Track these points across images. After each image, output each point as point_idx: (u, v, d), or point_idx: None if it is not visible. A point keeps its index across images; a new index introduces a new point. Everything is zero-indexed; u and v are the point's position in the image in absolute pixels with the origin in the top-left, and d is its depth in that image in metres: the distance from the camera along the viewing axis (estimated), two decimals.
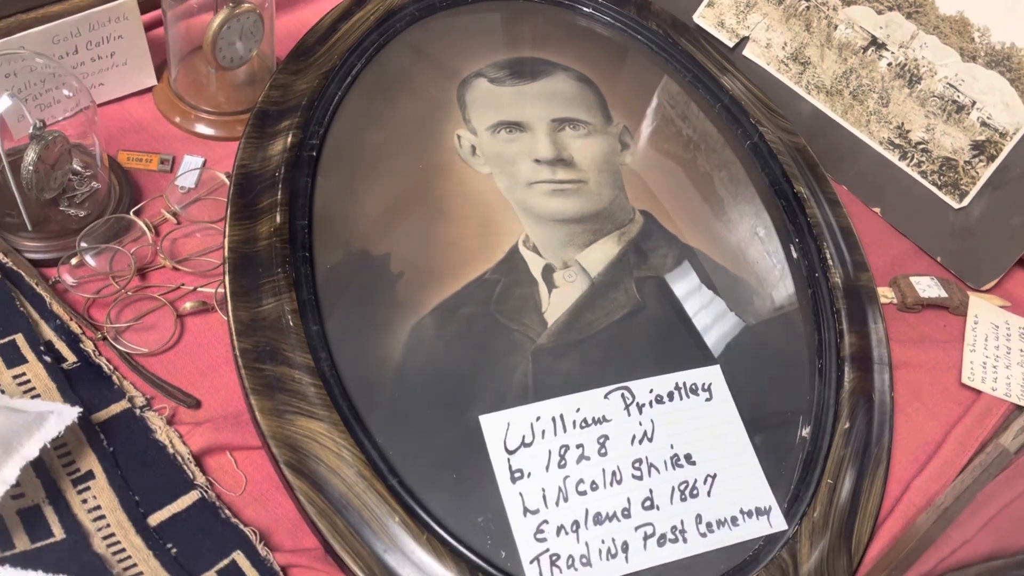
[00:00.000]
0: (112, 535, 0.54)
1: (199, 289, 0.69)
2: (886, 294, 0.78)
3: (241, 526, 0.57)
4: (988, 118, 0.76)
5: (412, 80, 0.76)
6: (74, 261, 0.67)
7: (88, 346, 0.62)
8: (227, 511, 0.57)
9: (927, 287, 0.78)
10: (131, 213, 0.70)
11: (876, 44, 0.80)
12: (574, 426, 0.62)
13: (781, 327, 0.72)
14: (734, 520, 0.61)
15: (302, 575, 0.57)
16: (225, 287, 0.63)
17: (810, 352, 0.71)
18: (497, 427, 0.61)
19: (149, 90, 0.80)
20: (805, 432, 0.67)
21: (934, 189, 0.80)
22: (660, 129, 0.81)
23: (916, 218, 0.81)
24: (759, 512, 0.62)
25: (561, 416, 0.62)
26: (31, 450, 0.53)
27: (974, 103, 0.76)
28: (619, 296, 0.68)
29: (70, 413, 0.55)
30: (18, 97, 0.66)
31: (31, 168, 0.64)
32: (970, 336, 0.75)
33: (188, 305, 0.67)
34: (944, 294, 0.77)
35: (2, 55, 0.65)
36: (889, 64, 0.80)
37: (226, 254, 0.64)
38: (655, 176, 0.77)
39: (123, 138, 0.77)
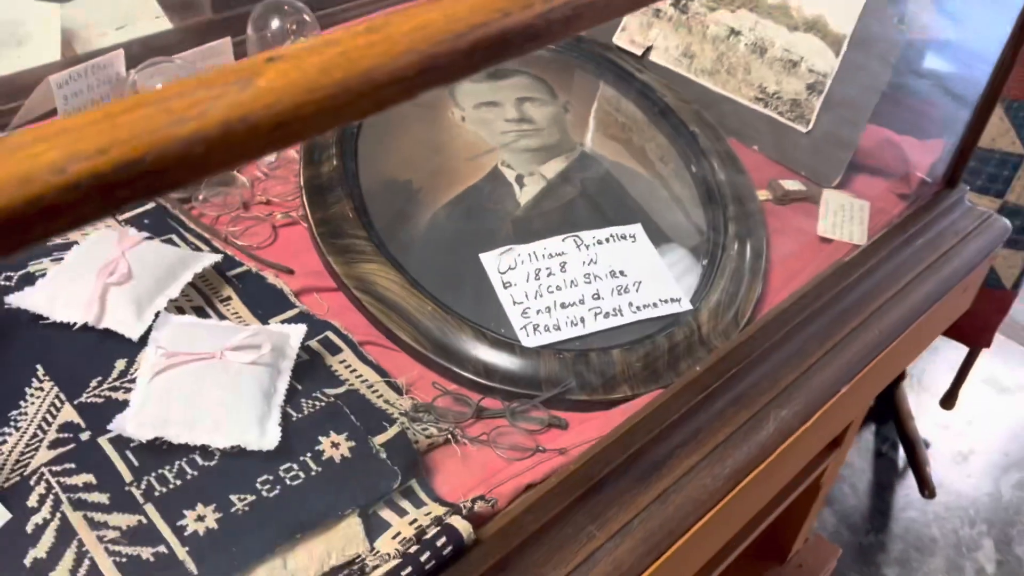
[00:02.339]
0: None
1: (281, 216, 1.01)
2: (763, 194, 1.10)
3: (331, 322, 0.87)
4: (812, 67, 1.10)
5: None
6: (200, 197, 1.00)
7: (218, 242, 0.95)
8: (318, 318, 0.88)
9: (792, 186, 1.10)
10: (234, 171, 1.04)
11: (734, 32, 1.16)
12: (542, 257, 0.93)
13: (684, 207, 1.04)
14: (655, 304, 0.91)
15: (370, 349, 0.86)
16: (304, 199, 0.96)
17: (707, 217, 1.02)
18: (491, 260, 0.92)
19: None
20: (704, 261, 0.97)
21: (789, 123, 1.13)
22: (598, 108, 1.16)
23: (780, 145, 1.14)
24: (672, 300, 0.92)
25: (533, 252, 0.93)
26: (189, 275, 0.84)
27: (802, 58, 1.11)
28: (567, 188, 1.01)
29: (213, 257, 0.87)
30: None
31: None
32: (823, 210, 1.07)
33: (279, 215, 0.99)
34: (805, 188, 1.09)
35: (155, 64, 1.00)
36: (745, 44, 1.15)
37: (302, 183, 0.98)
38: (596, 136, 1.11)
39: None
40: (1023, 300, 2.46)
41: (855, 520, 1.94)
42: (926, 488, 1.95)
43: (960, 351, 1.93)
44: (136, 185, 0.30)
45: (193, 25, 1.19)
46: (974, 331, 1.61)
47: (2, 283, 0.80)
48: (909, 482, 2.01)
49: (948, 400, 2.01)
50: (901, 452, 2.06)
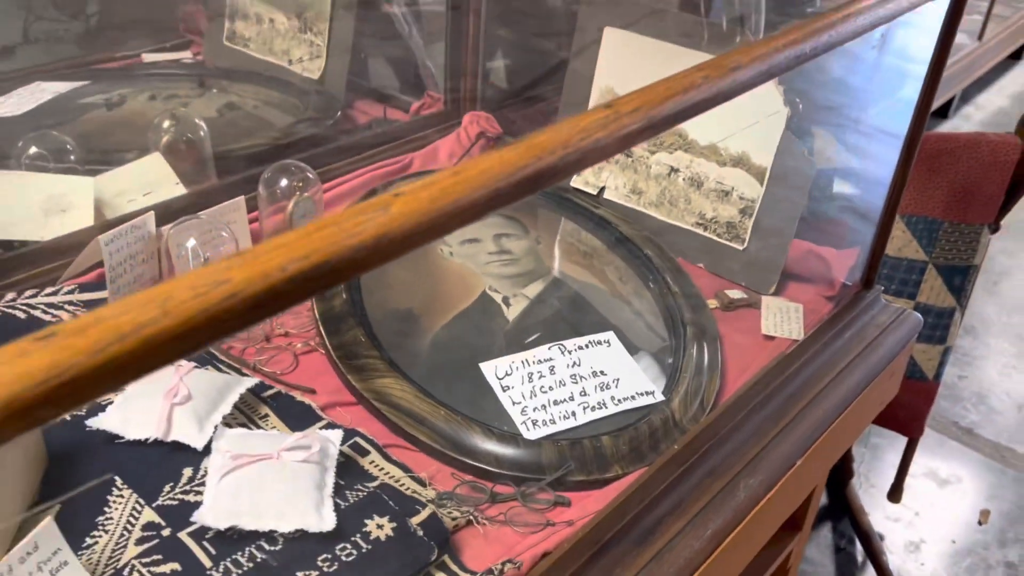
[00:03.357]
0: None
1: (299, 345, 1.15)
2: (712, 303, 1.27)
3: (357, 429, 1.00)
4: (742, 195, 1.31)
5: None
6: None
7: (248, 370, 1.08)
8: (345, 427, 1.01)
9: (736, 295, 1.28)
10: None
11: (674, 170, 1.36)
12: (533, 363, 1.08)
13: (644, 318, 1.21)
14: (633, 397, 1.07)
15: (392, 451, 0.99)
16: (320, 329, 1.10)
17: (668, 324, 1.19)
18: (490, 368, 1.07)
19: None
20: (669, 360, 1.14)
21: (727, 242, 1.32)
22: (562, 240, 1.34)
23: (721, 262, 1.33)
24: (647, 393, 1.08)
25: (525, 359, 1.08)
26: (235, 396, 0.97)
27: (733, 188, 1.31)
28: (547, 305, 1.17)
29: (251, 380, 1.01)
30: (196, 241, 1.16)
31: None
32: (764, 313, 1.25)
33: (299, 345, 1.13)
34: (747, 296, 1.28)
35: (190, 221, 1.15)
36: (684, 179, 1.35)
37: (317, 316, 1.13)
38: (564, 262, 1.29)
39: None
40: (952, 399, 2.66)
41: None
42: None
43: (899, 448, 2.10)
44: (326, 279, 0.45)
45: (204, 189, 1.36)
46: (907, 421, 1.79)
47: (75, 412, 0.92)
48: (869, 573, 2.13)
49: (894, 493, 2.17)
50: (859, 546, 2.19)
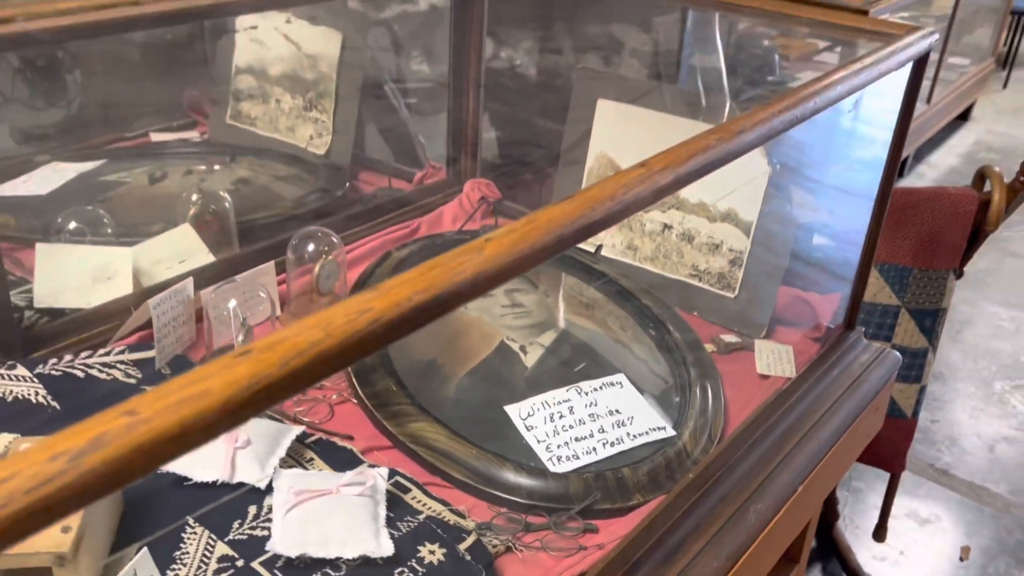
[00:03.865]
0: None
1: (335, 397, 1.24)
2: (709, 347, 1.38)
3: (396, 469, 1.08)
4: (731, 247, 1.43)
5: None
6: None
7: (288, 421, 1.16)
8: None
9: (731, 339, 1.39)
10: None
11: (667, 227, 1.48)
12: (553, 404, 1.17)
13: (647, 363, 1.31)
14: (647, 433, 1.16)
15: (431, 488, 1.07)
16: (353, 381, 1.19)
17: (671, 367, 1.29)
18: (514, 410, 1.16)
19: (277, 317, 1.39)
20: (676, 399, 1.23)
21: (719, 291, 1.44)
22: (567, 294, 1.45)
23: (715, 309, 1.44)
24: (660, 429, 1.17)
25: (545, 401, 1.18)
26: (288, 441, 1.05)
27: (722, 242, 1.43)
28: (560, 352, 1.27)
29: (298, 428, 1.09)
30: (236, 305, 1.24)
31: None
32: (758, 355, 1.35)
33: (333, 396, 1.21)
34: (741, 340, 1.38)
35: (227, 285, 1.24)
36: (676, 235, 1.47)
37: (350, 369, 1.21)
38: (571, 313, 1.39)
39: None
40: (927, 443, 2.78)
41: None
42: None
43: (880, 490, 2.20)
44: (440, 308, 0.54)
45: (230, 256, 1.45)
46: (889, 457, 1.89)
47: None
48: None
49: (879, 532, 2.26)
50: None
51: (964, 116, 5.27)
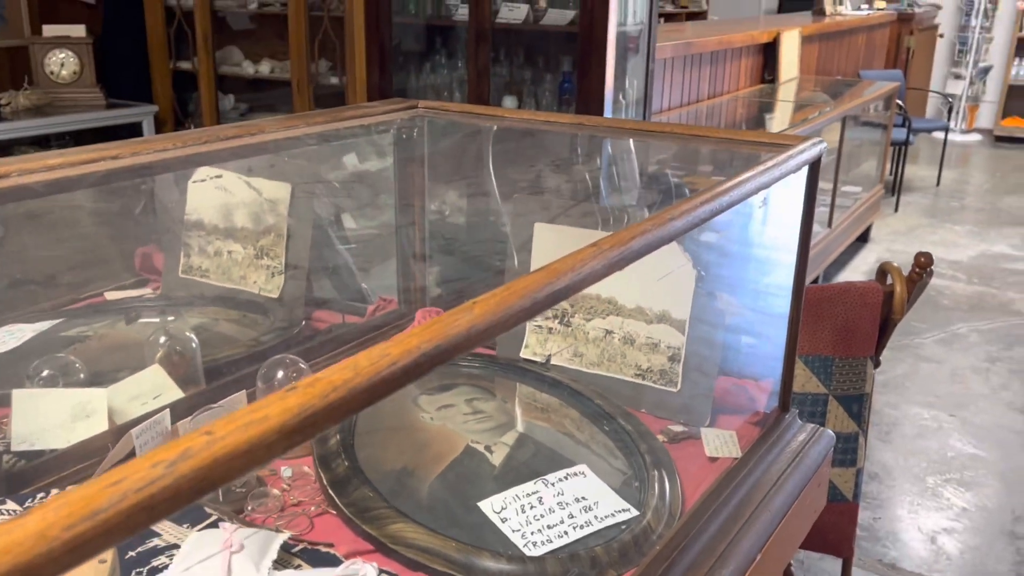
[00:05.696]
0: None
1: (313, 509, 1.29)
2: (660, 437, 1.48)
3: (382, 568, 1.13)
4: (669, 345, 1.55)
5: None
6: (249, 507, 1.26)
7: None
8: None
9: (679, 429, 1.49)
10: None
11: (608, 332, 1.60)
12: (523, 497, 1.25)
13: (604, 457, 1.40)
14: (613, 515, 1.24)
15: None
16: (330, 493, 1.25)
17: (627, 456, 1.38)
18: (487, 505, 1.23)
19: None
20: (635, 484, 1.32)
21: (662, 387, 1.55)
22: (522, 400, 1.54)
23: (660, 404, 1.55)
24: (624, 511, 1.25)
25: (516, 495, 1.25)
26: (277, 545, 1.10)
27: (660, 341, 1.56)
28: (523, 450, 1.36)
29: (286, 534, 1.14)
30: None
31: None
32: (705, 440, 1.46)
33: (312, 508, 1.26)
34: (688, 430, 1.49)
35: (204, 413, 1.30)
36: (619, 339, 1.59)
37: (326, 483, 1.27)
38: (528, 416, 1.49)
39: None
40: (872, 540, 2.87)
41: None
42: None
43: None
44: (441, 356, 0.64)
45: (197, 393, 1.51)
46: (837, 542, 1.98)
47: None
48: None
49: None
50: None
51: (864, 238, 5.65)
